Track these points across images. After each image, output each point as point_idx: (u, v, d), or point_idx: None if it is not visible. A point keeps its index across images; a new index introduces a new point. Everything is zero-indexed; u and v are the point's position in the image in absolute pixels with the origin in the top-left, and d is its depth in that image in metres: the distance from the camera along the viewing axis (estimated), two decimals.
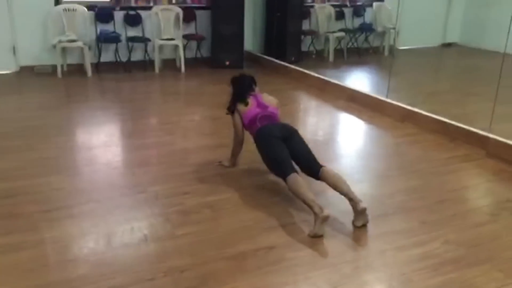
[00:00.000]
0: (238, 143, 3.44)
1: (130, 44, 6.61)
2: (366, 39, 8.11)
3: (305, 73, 6.31)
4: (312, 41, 7.76)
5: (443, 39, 9.09)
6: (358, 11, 8.11)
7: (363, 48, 8.12)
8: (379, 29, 8.00)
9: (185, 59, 6.77)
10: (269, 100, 3.45)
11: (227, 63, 6.85)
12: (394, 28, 7.95)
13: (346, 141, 4.41)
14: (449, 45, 9.08)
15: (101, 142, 4.07)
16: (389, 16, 8.04)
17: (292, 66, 6.61)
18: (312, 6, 7.62)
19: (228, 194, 3.14)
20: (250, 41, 7.51)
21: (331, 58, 7.52)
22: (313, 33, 7.63)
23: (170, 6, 6.77)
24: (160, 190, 3.14)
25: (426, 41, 8.85)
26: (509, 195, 3.25)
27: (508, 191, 3.32)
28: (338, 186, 2.83)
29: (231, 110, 3.41)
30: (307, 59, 7.47)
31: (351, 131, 4.66)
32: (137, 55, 6.78)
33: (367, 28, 8.02)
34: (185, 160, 3.68)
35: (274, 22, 7.12)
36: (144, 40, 6.63)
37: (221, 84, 4.07)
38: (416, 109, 4.58)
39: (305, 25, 7.60)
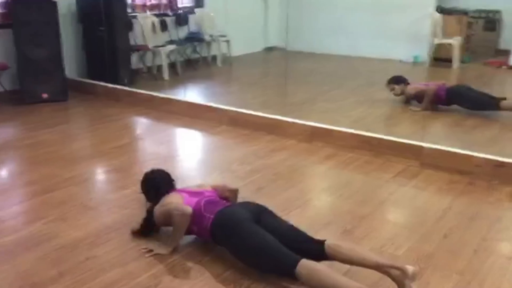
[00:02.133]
0: (185, 221, 2.33)
1: None
2: (195, 49, 7.28)
3: (151, 96, 5.18)
4: (141, 58, 6.58)
5: (265, 43, 8.90)
6: (181, 20, 7.19)
7: (194, 60, 7.27)
8: (207, 37, 7.26)
9: None
10: (199, 185, 2.64)
11: (45, 96, 5.21)
12: (224, 36, 7.36)
13: (271, 186, 3.32)
14: (270, 49, 8.92)
15: None
16: (213, 23, 7.38)
17: (136, 90, 5.36)
18: (134, 17, 6.40)
19: None
20: (73, 65, 5.90)
21: (165, 75, 6.45)
22: (142, 48, 6.43)
23: None
24: None
25: (252, 47, 8.53)
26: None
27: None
28: (364, 257, 2.01)
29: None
30: (140, 79, 6.27)
31: (265, 170, 3.57)
32: None
33: (195, 38, 7.16)
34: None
35: (98, 39, 5.70)
36: None
37: (43, 131, 2.92)
38: (323, 125, 3.96)
39: (131, 40, 6.31)
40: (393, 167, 3.48)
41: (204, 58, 7.49)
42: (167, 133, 4.58)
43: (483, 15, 8.49)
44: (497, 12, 8.43)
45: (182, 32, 7.19)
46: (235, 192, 2.68)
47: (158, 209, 2.48)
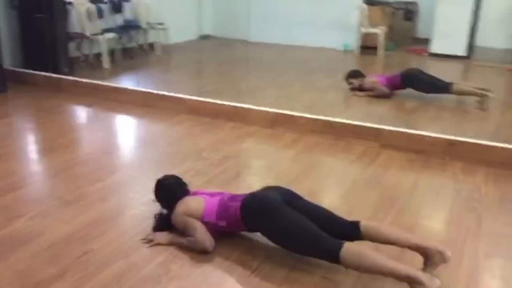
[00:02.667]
0: (200, 248, 2.32)
1: None
2: (131, 37, 7.05)
3: (97, 85, 5.00)
4: (78, 46, 6.25)
5: (200, 31, 8.84)
6: (117, 7, 6.92)
7: (130, 48, 7.05)
8: (144, 25, 7.08)
9: None
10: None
11: None
12: (161, 24, 7.22)
13: (248, 171, 3.45)
14: (206, 37, 8.88)
15: None
16: (149, 11, 7.21)
17: (81, 79, 5.13)
18: (70, 3, 6.07)
19: None
20: (10, 55, 5.51)
21: (105, 64, 6.21)
22: (79, 36, 6.13)
23: None
24: None
25: (186, 35, 8.46)
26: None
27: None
28: (405, 238, 2.13)
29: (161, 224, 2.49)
30: (79, 68, 6.00)
31: (237, 157, 3.64)
32: None
33: (132, 26, 6.94)
34: None
35: (35, 26, 5.36)
36: None
37: None
38: (285, 111, 4.09)
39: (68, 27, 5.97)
40: (355, 148, 3.71)
41: (141, 46, 7.32)
42: (125, 123, 4.48)
43: (402, 6, 9.13)
44: (414, 3, 9.10)
45: (118, 20, 6.96)
46: None
47: (180, 215, 2.41)
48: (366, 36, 7.86)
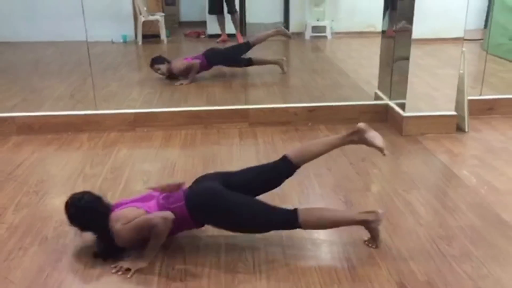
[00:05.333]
0: (169, 226, 2.11)
1: None
2: None
3: None
4: None
5: None
6: None
7: None
8: None
9: None
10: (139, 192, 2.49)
11: None
12: None
13: (155, 179, 3.08)
14: None
15: None
16: None
17: None
18: None
19: None
20: None
21: None
22: None
23: None
24: None
25: None
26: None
27: None
28: (325, 142, 2.40)
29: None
30: None
31: (125, 167, 3.24)
32: None
33: None
34: None
35: None
36: None
37: None
38: (144, 110, 3.85)
39: None
40: (231, 132, 3.80)
41: None
42: None
43: None
44: None
45: None
46: (182, 185, 2.41)
47: (121, 229, 2.12)
48: (144, 24, 7.76)
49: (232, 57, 5.42)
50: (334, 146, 2.38)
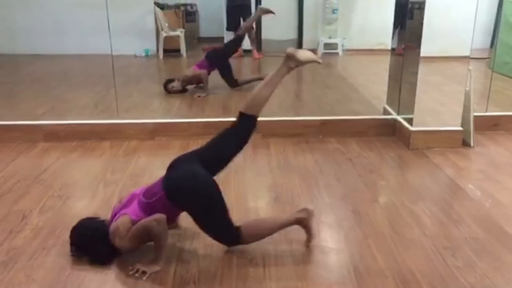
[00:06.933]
0: (164, 227, 2.13)
1: None
2: None
3: None
4: None
5: None
6: None
7: None
8: None
9: None
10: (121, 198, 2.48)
11: None
12: None
13: None
14: None
15: None
16: None
17: None
18: None
19: None
20: None
21: None
22: None
23: None
24: None
25: None
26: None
27: None
28: (268, 82, 2.28)
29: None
30: None
31: (146, 174, 3.25)
32: None
33: None
34: None
35: None
36: None
37: None
38: (165, 120, 3.90)
39: None
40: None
41: None
42: None
43: (182, 8, 9.35)
44: (193, 4, 9.45)
45: None
46: None
47: (121, 243, 2.13)
48: (165, 40, 7.86)
49: (229, 53, 5.57)
50: (278, 82, 2.29)
